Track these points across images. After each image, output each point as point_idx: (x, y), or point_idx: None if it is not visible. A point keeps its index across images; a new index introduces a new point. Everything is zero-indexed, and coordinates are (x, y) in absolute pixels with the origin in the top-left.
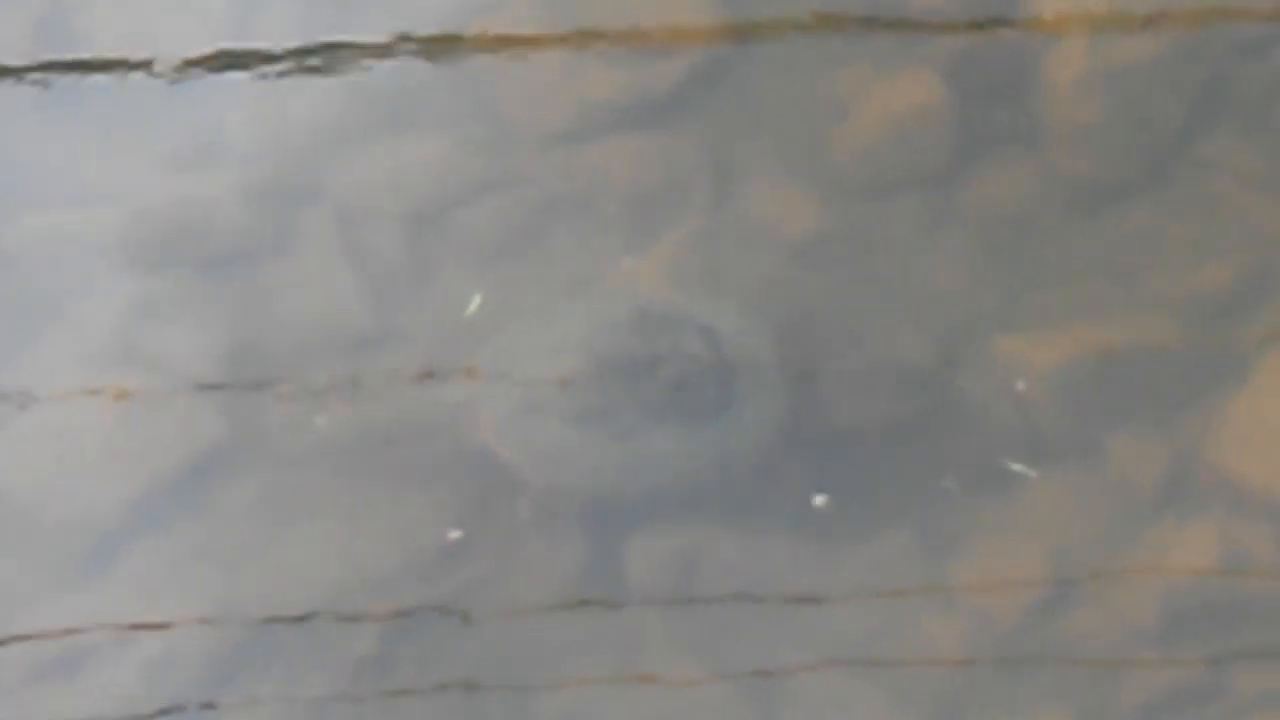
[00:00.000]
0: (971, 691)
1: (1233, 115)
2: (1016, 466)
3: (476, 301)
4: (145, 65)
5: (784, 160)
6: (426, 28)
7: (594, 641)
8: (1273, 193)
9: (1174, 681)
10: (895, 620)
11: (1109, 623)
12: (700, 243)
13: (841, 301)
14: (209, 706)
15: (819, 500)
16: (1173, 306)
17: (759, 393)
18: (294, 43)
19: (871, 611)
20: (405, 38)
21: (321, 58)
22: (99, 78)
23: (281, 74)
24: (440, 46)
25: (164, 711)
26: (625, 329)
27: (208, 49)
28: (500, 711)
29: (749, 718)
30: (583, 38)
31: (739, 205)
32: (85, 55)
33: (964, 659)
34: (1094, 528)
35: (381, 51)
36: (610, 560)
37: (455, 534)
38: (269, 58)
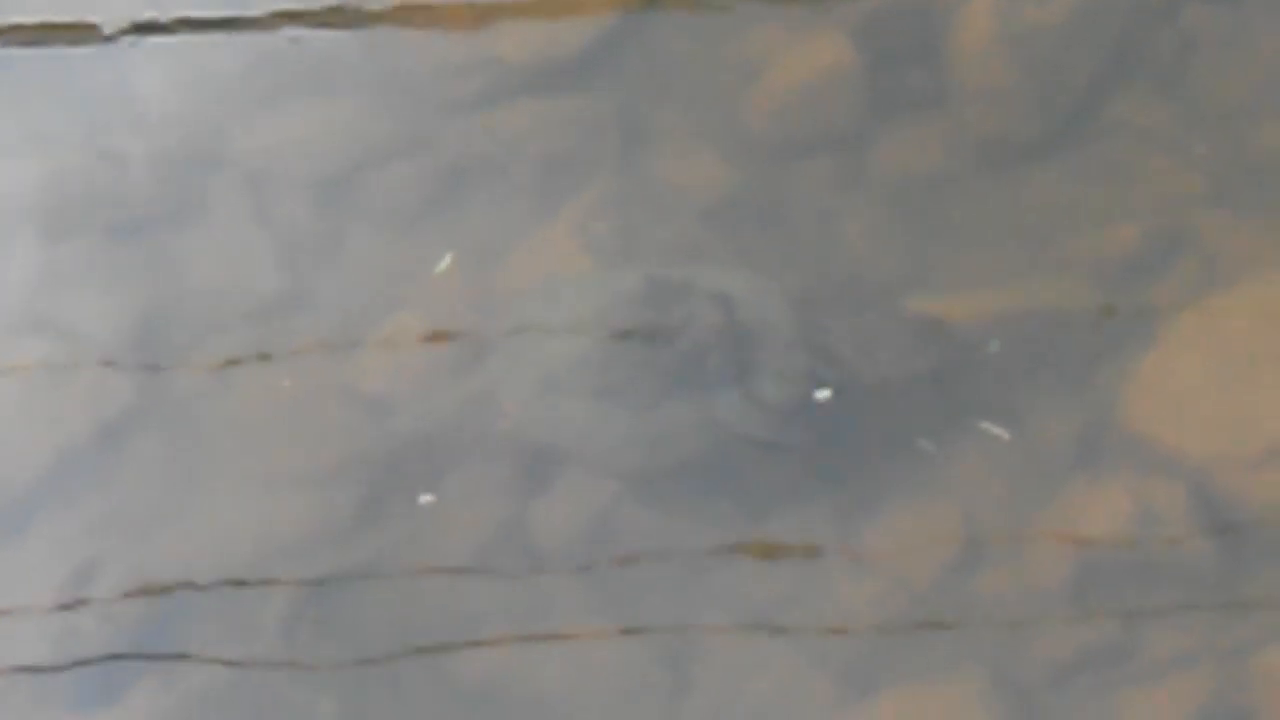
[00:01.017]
0: (885, 652)
1: (1141, 77)
2: (988, 426)
3: (447, 260)
4: (57, 30)
5: (695, 123)
6: None
7: (511, 603)
8: (1181, 154)
9: (1086, 641)
10: (809, 582)
11: (1022, 583)
12: (612, 206)
13: (759, 263)
14: (123, 672)
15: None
16: (1083, 268)
17: (782, 349)
18: (204, 10)
19: (785, 572)
20: (315, 4)
21: (231, 25)
22: (11, 43)
23: (192, 41)
24: (349, 13)
25: (77, 673)
26: (638, 301)
27: (120, 16)
28: (419, 675)
29: (663, 678)
30: (491, 3)
31: (650, 168)
32: None
33: (878, 620)
34: (1007, 489)
35: (291, 18)
36: (522, 524)
37: (427, 497)
38: (181, 24)
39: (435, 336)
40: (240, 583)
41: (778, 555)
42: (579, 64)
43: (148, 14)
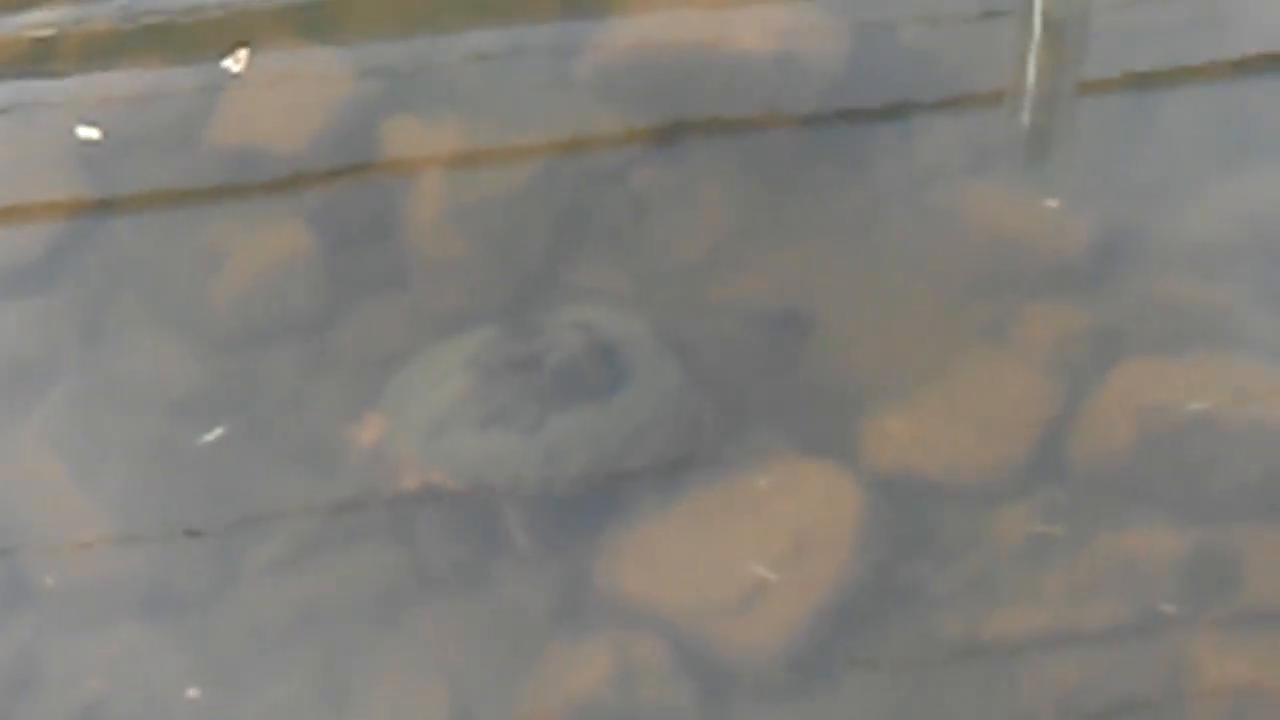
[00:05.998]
0: None
1: (595, 241)
2: (759, 569)
3: (217, 432)
4: None
5: (158, 317)
6: None
7: None
8: (639, 313)
9: None
10: None
11: None
12: (77, 404)
13: (231, 449)
14: None
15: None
16: None
17: (649, 360)
18: None
19: None
20: None
21: None
22: None
23: None
24: None
25: None
26: (502, 340)
27: None
28: None
29: None
30: None
31: (116, 364)
32: None
33: None
34: (490, 654)
35: None
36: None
37: (192, 693)
38: None
39: None
40: None
41: None
42: (35, 268)
43: None
